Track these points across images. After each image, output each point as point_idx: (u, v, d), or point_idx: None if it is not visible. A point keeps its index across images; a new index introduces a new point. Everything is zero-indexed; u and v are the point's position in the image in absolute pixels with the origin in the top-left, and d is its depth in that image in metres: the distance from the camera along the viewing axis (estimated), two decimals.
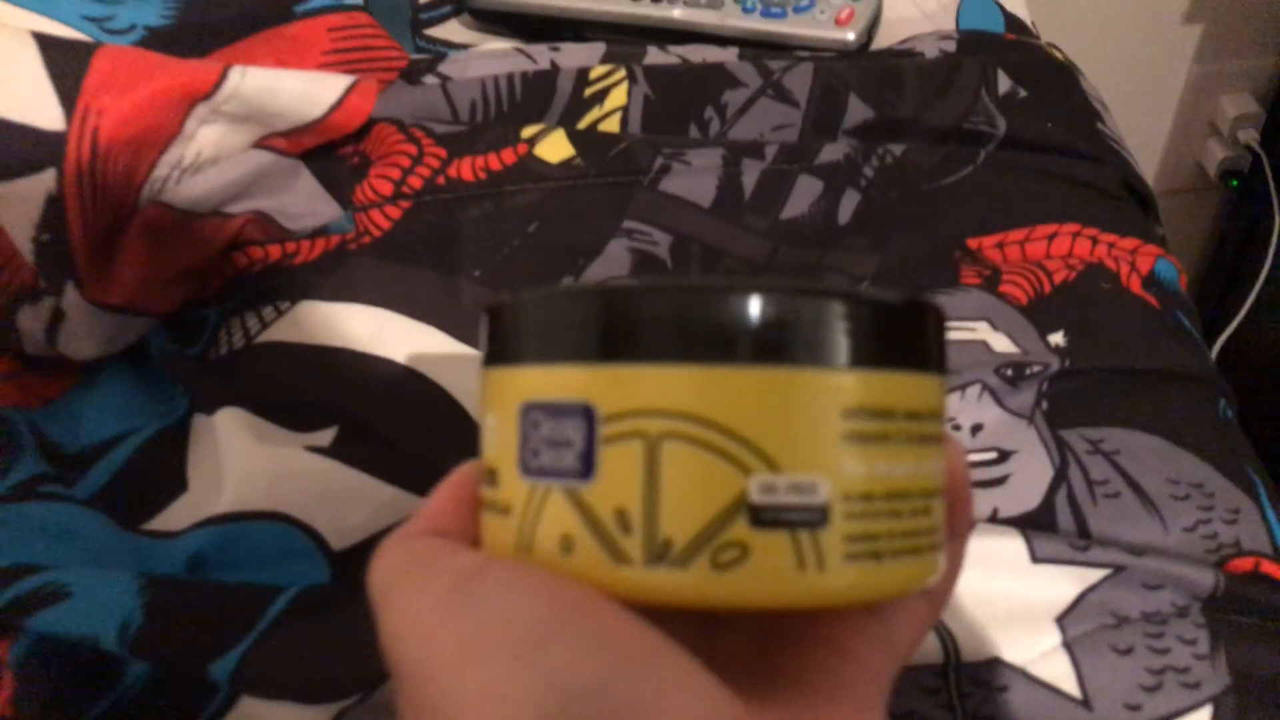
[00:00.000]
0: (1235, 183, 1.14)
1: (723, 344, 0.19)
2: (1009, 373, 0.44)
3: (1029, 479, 0.41)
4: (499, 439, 0.22)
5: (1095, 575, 0.37)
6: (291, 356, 0.47)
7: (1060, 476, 0.41)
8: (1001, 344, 0.46)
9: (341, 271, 0.50)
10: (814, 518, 0.19)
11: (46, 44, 0.45)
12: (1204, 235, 1.25)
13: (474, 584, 0.19)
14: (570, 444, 0.20)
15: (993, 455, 0.42)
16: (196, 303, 0.52)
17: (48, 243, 0.45)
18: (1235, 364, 1.12)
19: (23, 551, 0.39)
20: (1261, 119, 1.10)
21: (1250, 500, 0.42)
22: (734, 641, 0.23)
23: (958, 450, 0.23)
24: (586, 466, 0.20)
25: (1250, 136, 1.10)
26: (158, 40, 0.52)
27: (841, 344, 0.20)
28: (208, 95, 0.48)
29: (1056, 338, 0.47)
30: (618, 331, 0.20)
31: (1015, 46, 0.63)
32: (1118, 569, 0.37)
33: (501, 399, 0.22)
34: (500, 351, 0.22)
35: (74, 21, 0.49)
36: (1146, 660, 0.36)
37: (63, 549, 0.40)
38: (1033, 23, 0.70)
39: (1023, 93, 0.58)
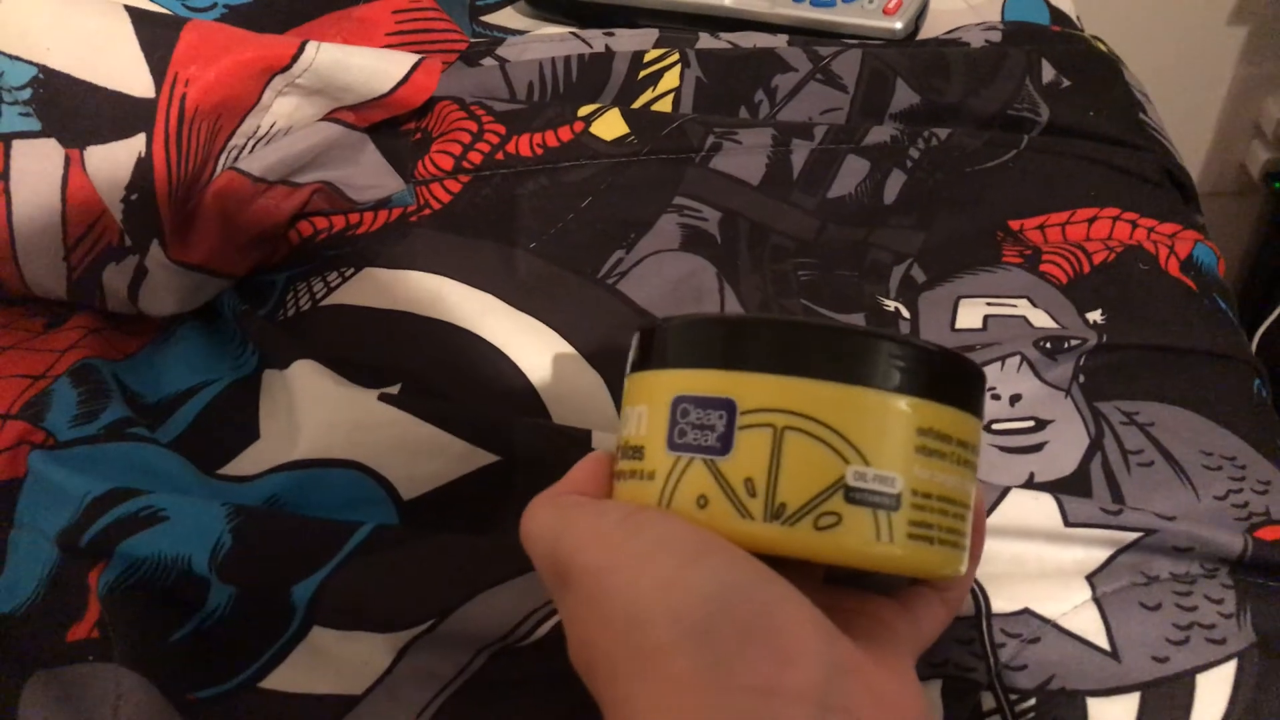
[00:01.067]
0: (1278, 185, 1.14)
1: (840, 368, 0.27)
2: (1048, 346, 0.46)
3: (1065, 447, 0.43)
4: (648, 423, 0.29)
5: (1127, 538, 0.39)
6: (356, 318, 0.50)
7: (1095, 445, 0.43)
8: (1041, 319, 0.48)
9: (403, 242, 0.52)
10: (890, 502, 0.27)
11: (138, 17, 0.48)
12: (1246, 237, 1.25)
13: (640, 515, 0.27)
14: (714, 428, 0.27)
15: (1030, 424, 0.44)
16: (264, 267, 0.54)
17: (136, 202, 0.47)
18: (1272, 359, 1.12)
19: (120, 481, 0.41)
20: None
21: None
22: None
23: (980, 492, 0.31)
24: (726, 445, 0.27)
25: None
26: (236, 17, 0.55)
27: (919, 380, 0.27)
28: (285, 68, 0.51)
29: (1094, 315, 0.48)
30: (759, 348, 0.27)
31: (1060, 38, 0.64)
32: (1149, 532, 0.39)
33: (652, 393, 0.29)
34: (651, 359, 0.30)
35: None
36: (1174, 616, 0.37)
37: (152, 484, 0.42)
38: (1078, 16, 0.71)
39: (1066, 82, 0.60)
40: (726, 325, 0.29)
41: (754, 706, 0.23)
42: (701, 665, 0.23)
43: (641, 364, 0.30)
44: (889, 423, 0.27)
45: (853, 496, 0.26)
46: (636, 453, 0.29)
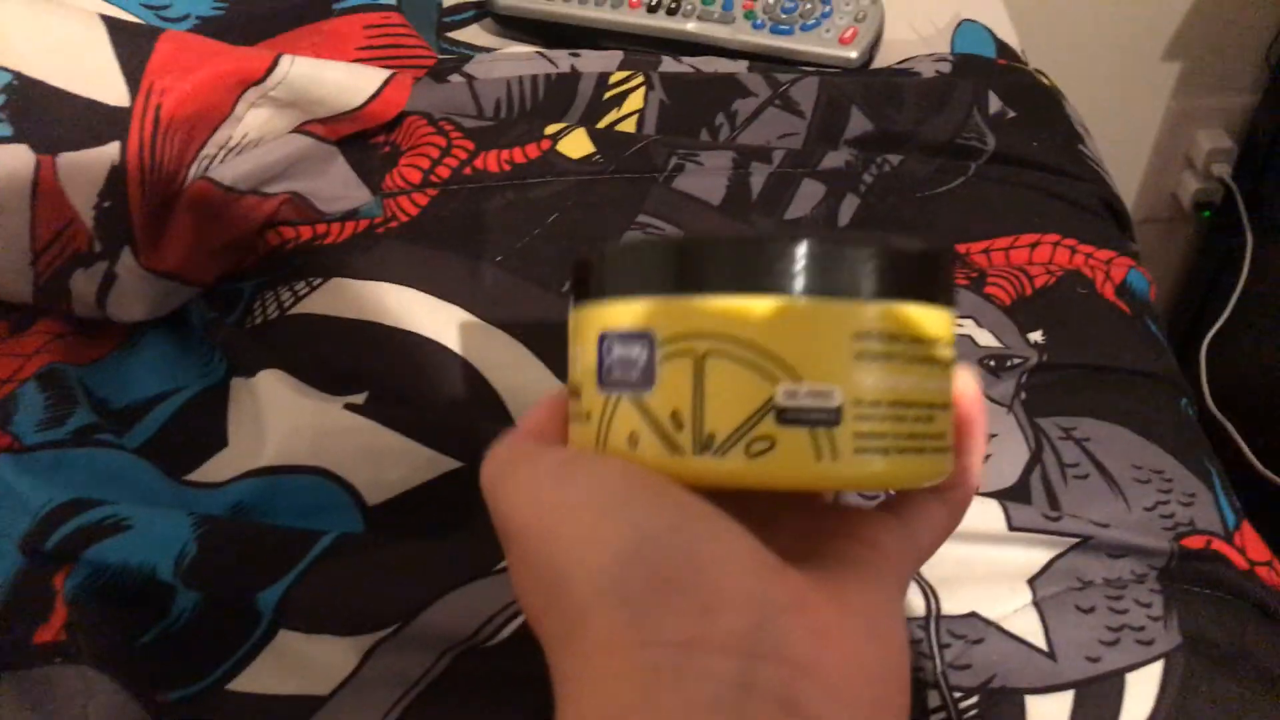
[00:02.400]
0: (1208, 214, 1.19)
1: (756, 280, 0.24)
2: (992, 364, 0.48)
3: (1007, 460, 0.45)
4: (582, 363, 0.27)
5: (1065, 543, 0.41)
6: (323, 327, 0.51)
7: (1035, 458, 0.45)
8: (986, 339, 0.50)
9: (370, 252, 0.53)
10: (828, 418, 0.24)
11: (114, 26, 0.48)
12: (1178, 262, 1.30)
13: (572, 464, 0.25)
14: (635, 362, 0.25)
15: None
16: (232, 276, 0.55)
17: (109, 209, 0.48)
18: (1213, 372, 1.17)
19: (84, 490, 0.42)
20: (1234, 154, 1.15)
21: (1205, 487, 0.46)
22: (781, 536, 0.27)
23: (968, 380, 0.28)
24: (648, 378, 0.25)
25: (1223, 170, 1.15)
26: (208, 29, 0.56)
27: (853, 280, 0.24)
28: (259, 80, 0.52)
29: (1036, 335, 0.51)
30: (669, 272, 0.25)
31: (1006, 70, 0.67)
32: (1084, 539, 0.41)
33: (584, 331, 0.27)
34: (583, 294, 0.27)
35: (134, 8, 0.53)
36: (1106, 619, 0.40)
37: (117, 491, 0.43)
38: (1022, 50, 0.74)
39: (1011, 113, 0.63)
40: (638, 251, 0.26)
41: (674, 662, 0.21)
42: (619, 624, 0.22)
43: (575, 300, 0.28)
44: (818, 331, 0.24)
45: (786, 417, 0.24)
46: (577, 394, 0.28)
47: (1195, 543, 0.43)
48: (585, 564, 0.23)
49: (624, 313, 0.26)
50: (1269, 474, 1.11)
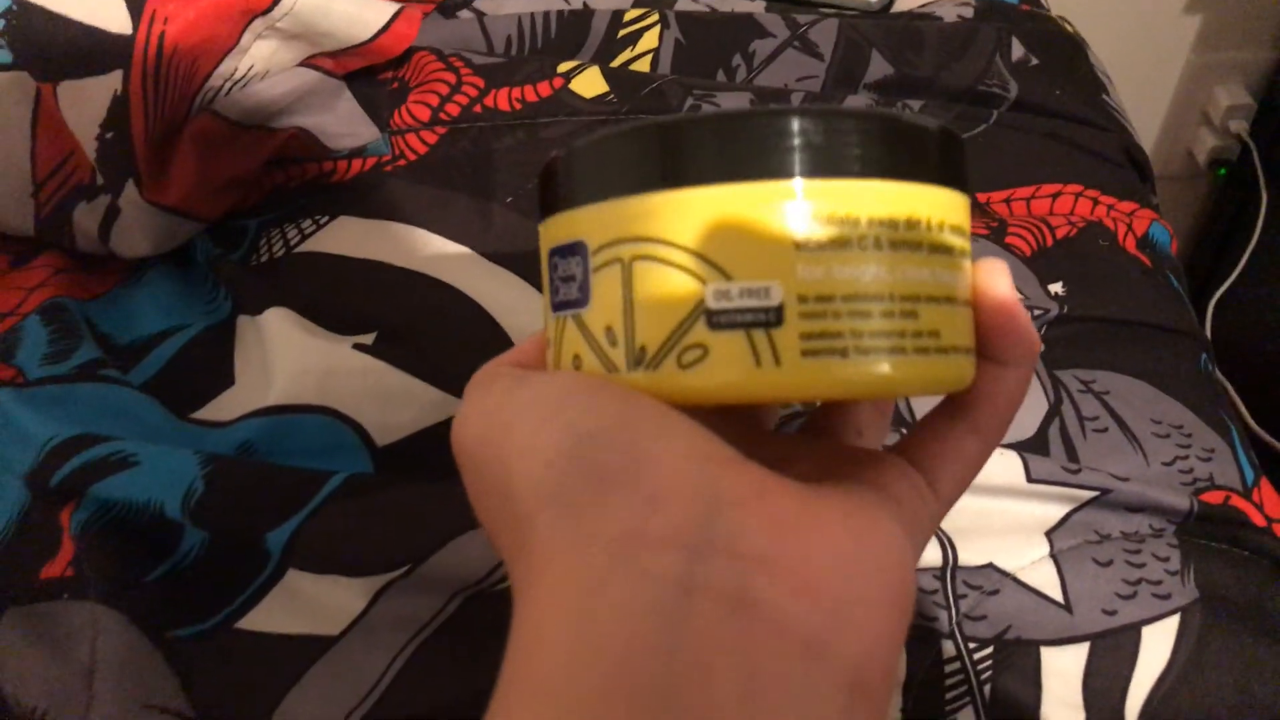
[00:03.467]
0: (1223, 171, 1.17)
1: (675, 171, 0.22)
2: None
3: (1026, 411, 0.45)
4: (545, 286, 0.25)
5: (1083, 496, 0.41)
6: (330, 266, 0.50)
7: (1054, 411, 0.45)
8: None
9: (378, 191, 0.52)
10: (767, 319, 0.21)
11: None
12: (1192, 220, 1.28)
13: (523, 381, 0.24)
14: (574, 277, 0.23)
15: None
16: (238, 212, 0.54)
17: (111, 141, 0.47)
18: (1221, 329, 1.16)
19: (89, 425, 0.41)
20: (1252, 110, 1.13)
21: (1224, 443, 0.45)
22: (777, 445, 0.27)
23: (992, 269, 0.24)
24: (584, 295, 0.23)
25: (1240, 127, 1.13)
26: None
27: (785, 158, 0.21)
28: (266, 10, 0.50)
29: (1056, 287, 0.50)
30: (594, 175, 0.23)
31: (1029, 17, 0.66)
32: (1103, 492, 0.41)
33: (541, 252, 0.25)
34: (539, 211, 0.26)
35: None
36: (1124, 572, 0.39)
37: (123, 427, 0.42)
38: None
39: (1034, 60, 0.61)
40: (573, 158, 0.23)
41: (614, 558, 0.20)
42: (560, 527, 0.21)
43: (538, 219, 0.26)
44: (750, 221, 0.21)
45: (716, 320, 0.21)
46: (544, 319, 0.26)
47: (1214, 498, 0.43)
48: (527, 472, 0.21)
49: (561, 226, 0.24)
50: (1268, 437, 1.10)
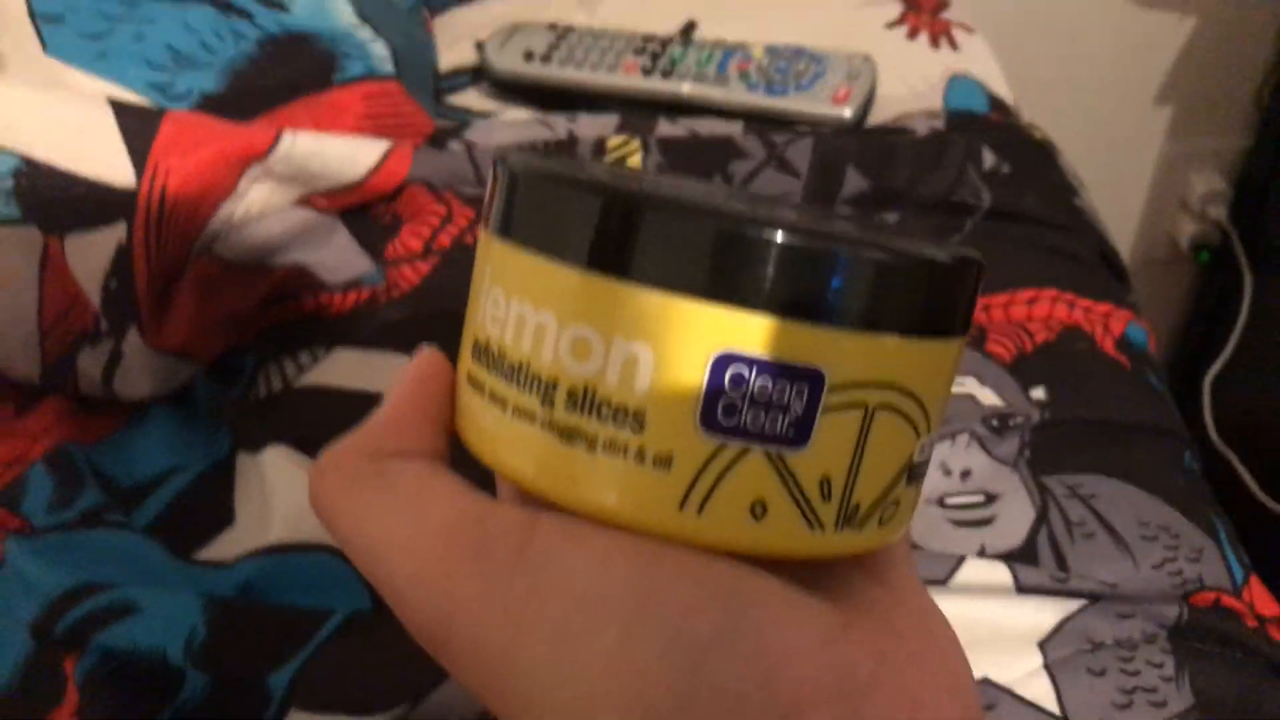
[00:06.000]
0: (1206, 256, 1.20)
1: (937, 317, 0.20)
2: (995, 423, 0.48)
3: (1013, 520, 0.45)
4: (653, 373, 0.19)
5: (1073, 605, 0.41)
6: (330, 399, 0.51)
7: (1041, 518, 0.45)
8: (988, 397, 0.50)
9: (374, 322, 0.54)
10: (925, 470, 0.21)
11: (120, 110, 0.49)
12: (1179, 301, 1.30)
13: (552, 549, 0.18)
14: (786, 408, 0.19)
15: (980, 498, 0.46)
16: (234, 350, 0.55)
17: (115, 289, 0.48)
18: (1217, 406, 1.17)
19: (92, 573, 0.42)
20: (1228, 196, 1.16)
21: (1212, 542, 0.46)
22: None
23: None
24: (802, 435, 0.19)
25: (1219, 213, 1.16)
26: (211, 105, 0.57)
27: (964, 315, 0.21)
28: (262, 157, 0.53)
29: (1038, 392, 0.51)
30: (850, 292, 0.19)
31: (999, 127, 0.68)
32: (1093, 599, 0.41)
33: (667, 330, 0.19)
34: (648, 266, 0.19)
35: (140, 87, 0.54)
36: (1119, 681, 0.40)
37: (126, 572, 0.43)
38: (1015, 100, 0.75)
39: (1006, 168, 0.64)
40: (815, 252, 0.18)
41: None
42: None
43: (600, 264, 0.19)
44: (949, 373, 0.21)
45: (914, 474, 0.21)
46: (592, 399, 0.19)
47: (1204, 599, 0.43)
48: (619, 700, 0.16)
49: (767, 334, 0.18)
50: (1275, 507, 1.10)
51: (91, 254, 0.48)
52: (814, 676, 0.17)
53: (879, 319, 0.19)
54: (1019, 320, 0.55)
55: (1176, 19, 1.10)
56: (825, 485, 0.19)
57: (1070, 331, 0.54)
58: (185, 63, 0.55)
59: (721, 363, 0.19)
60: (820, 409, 0.19)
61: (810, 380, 0.19)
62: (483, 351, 0.21)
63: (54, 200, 0.48)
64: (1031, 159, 0.65)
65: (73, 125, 0.49)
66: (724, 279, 0.18)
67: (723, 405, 0.19)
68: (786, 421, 0.19)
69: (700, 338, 0.18)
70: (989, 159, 0.64)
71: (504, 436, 0.21)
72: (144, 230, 0.49)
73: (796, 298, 0.18)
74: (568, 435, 0.19)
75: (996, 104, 0.73)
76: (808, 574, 0.20)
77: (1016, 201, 0.62)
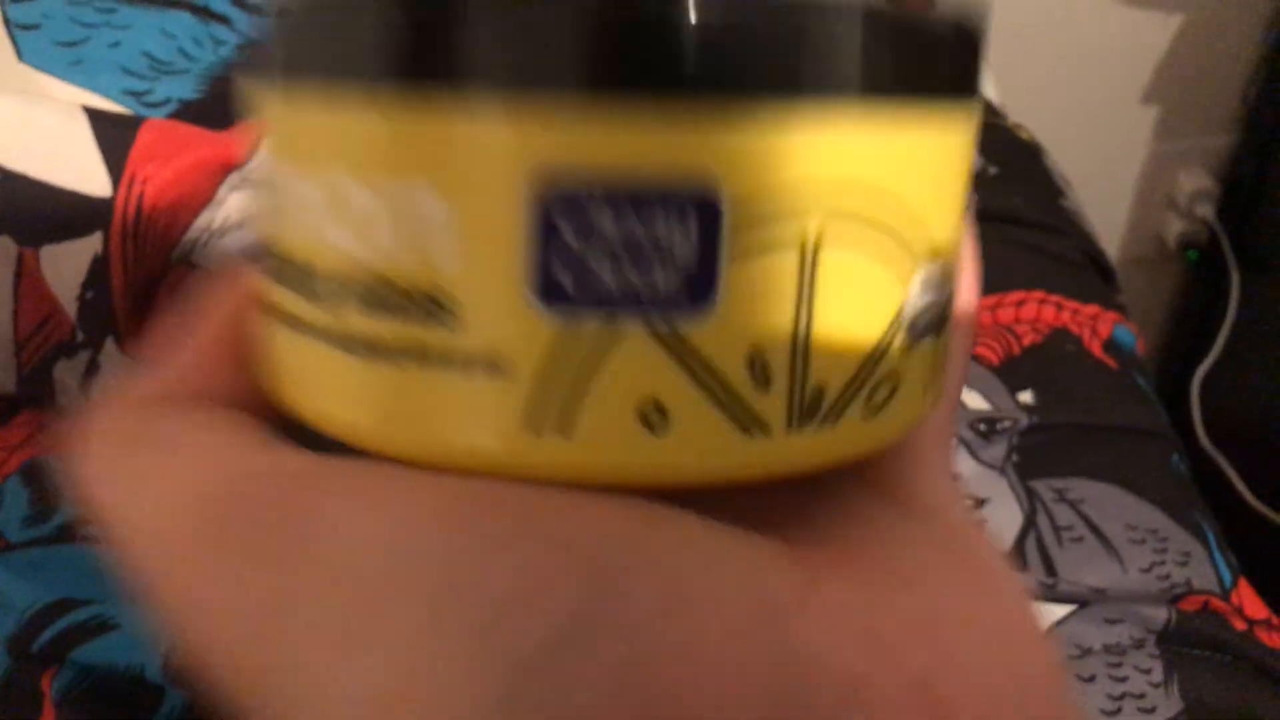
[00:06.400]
0: (1194, 255, 1.20)
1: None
2: (982, 428, 0.48)
3: (1001, 525, 0.45)
4: (430, 229, 0.12)
5: (1061, 611, 0.41)
6: None
7: (1029, 523, 0.45)
8: (975, 402, 0.50)
9: None
10: (944, 319, 0.14)
11: (96, 118, 0.49)
12: (1167, 300, 1.31)
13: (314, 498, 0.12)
14: (669, 253, 0.12)
15: (968, 504, 0.46)
16: None
17: (91, 300, 0.48)
18: (1209, 405, 1.17)
19: (69, 589, 0.41)
20: (1216, 194, 1.16)
21: (1200, 545, 0.45)
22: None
23: None
24: (705, 293, 0.12)
25: (1206, 211, 1.16)
26: (188, 112, 0.56)
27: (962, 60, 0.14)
28: (242, 164, 0.52)
29: (1025, 396, 0.51)
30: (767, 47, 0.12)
31: (985, 127, 0.68)
32: (1081, 605, 0.41)
33: (445, 158, 0.12)
34: (423, 66, 0.13)
35: (116, 96, 0.53)
36: (1107, 687, 0.39)
37: (102, 588, 0.42)
38: (1001, 103, 0.75)
39: (992, 170, 0.63)
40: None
41: None
42: None
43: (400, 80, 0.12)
44: (948, 147, 0.14)
45: (916, 329, 0.14)
46: (385, 294, 0.13)
47: (1193, 603, 0.43)
48: None
49: (605, 133, 0.11)
50: (1264, 510, 1.10)
51: (67, 264, 0.47)
52: (734, 641, 0.12)
53: (815, 73, 0.12)
54: (1006, 323, 0.55)
55: (1163, 18, 1.10)
56: (758, 365, 0.12)
57: (1058, 334, 0.54)
58: (163, 70, 0.55)
59: (547, 194, 0.12)
60: (724, 243, 0.12)
61: (697, 198, 0.12)
62: (266, 256, 0.15)
63: (29, 211, 0.47)
64: (1018, 160, 0.65)
65: (47, 134, 0.48)
66: (525, 55, 0.11)
67: (561, 261, 0.12)
68: (671, 273, 0.12)
69: (507, 160, 0.12)
70: (975, 160, 0.63)
71: (298, 368, 0.14)
72: (121, 239, 0.48)
73: (653, 60, 0.11)
74: (370, 350, 0.13)
75: (983, 106, 0.73)
76: (770, 506, 0.14)
77: (1003, 203, 0.61)
